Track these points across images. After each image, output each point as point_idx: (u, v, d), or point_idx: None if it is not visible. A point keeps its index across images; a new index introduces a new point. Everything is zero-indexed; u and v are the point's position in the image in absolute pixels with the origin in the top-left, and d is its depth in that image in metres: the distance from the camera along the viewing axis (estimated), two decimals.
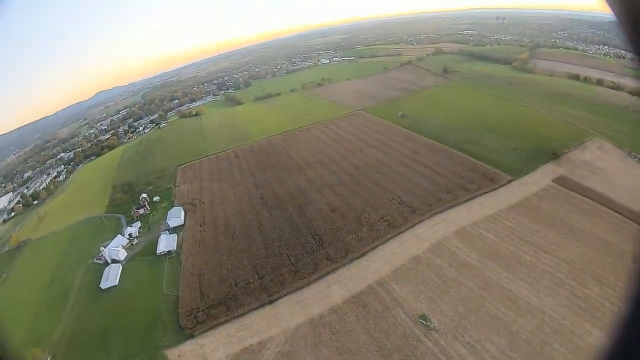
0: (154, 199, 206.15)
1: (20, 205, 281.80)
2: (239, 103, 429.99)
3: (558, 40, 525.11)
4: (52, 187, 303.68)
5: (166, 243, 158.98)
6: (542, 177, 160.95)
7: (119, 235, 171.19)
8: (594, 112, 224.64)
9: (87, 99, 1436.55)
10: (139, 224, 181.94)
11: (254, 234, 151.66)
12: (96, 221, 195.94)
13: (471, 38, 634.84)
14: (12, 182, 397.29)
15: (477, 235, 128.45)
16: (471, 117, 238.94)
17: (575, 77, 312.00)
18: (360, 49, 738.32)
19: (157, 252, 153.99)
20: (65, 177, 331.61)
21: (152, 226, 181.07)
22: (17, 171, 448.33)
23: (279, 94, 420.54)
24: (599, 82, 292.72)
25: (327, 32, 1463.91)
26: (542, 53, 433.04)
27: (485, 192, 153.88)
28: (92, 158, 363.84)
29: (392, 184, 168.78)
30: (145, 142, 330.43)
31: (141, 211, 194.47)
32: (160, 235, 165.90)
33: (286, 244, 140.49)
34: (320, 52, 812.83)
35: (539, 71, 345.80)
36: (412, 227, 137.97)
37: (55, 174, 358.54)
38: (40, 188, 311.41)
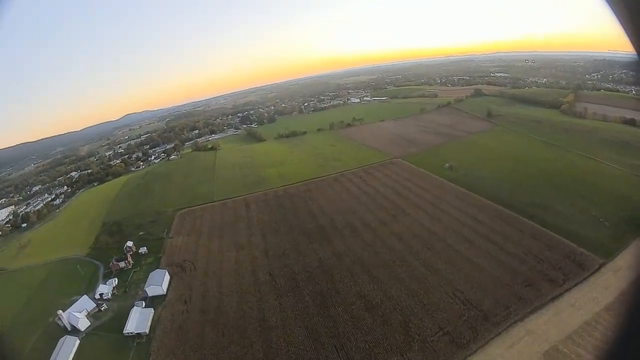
0: (140, 250, 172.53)
1: (9, 226, 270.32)
2: (260, 140, 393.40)
3: (595, 82, 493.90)
4: (45, 211, 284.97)
5: (138, 321, 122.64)
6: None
7: (85, 297, 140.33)
8: None
9: (115, 119, 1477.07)
10: (115, 281, 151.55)
11: (253, 332, 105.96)
12: (73, 265, 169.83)
13: (506, 80, 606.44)
14: (20, 194, 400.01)
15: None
16: (532, 172, 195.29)
17: (631, 123, 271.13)
18: (391, 89, 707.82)
19: (125, 331, 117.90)
20: (62, 202, 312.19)
21: (130, 288, 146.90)
22: (28, 183, 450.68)
23: (304, 133, 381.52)
24: None
25: (355, 72, 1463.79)
26: (586, 95, 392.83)
27: (575, 284, 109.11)
28: (95, 184, 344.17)
29: (450, 269, 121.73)
30: (149, 175, 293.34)
31: (122, 264, 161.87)
32: (133, 306, 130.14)
33: (297, 358, 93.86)
34: (349, 90, 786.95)
35: (591, 116, 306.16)
36: (484, 345, 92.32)
37: (54, 195, 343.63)
38: (36, 209, 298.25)
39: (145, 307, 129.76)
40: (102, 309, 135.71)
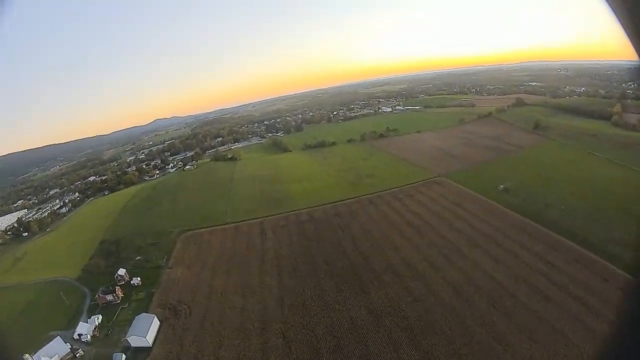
0: (132, 281, 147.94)
1: (10, 234, 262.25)
2: (285, 150, 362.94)
3: (635, 91, 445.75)
4: (49, 220, 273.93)
5: None
6: None
7: (59, 338, 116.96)
8: None
9: (144, 124, 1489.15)
10: (98, 318, 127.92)
11: None
12: (61, 289, 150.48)
13: (542, 89, 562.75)
14: (36, 197, 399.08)
15: None
16: (603, 198, 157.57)
17: None
18: (424, 98, 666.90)
19: None
20: (69, 210, 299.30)
21: (113, 330, 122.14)
22: (48, 185, 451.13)
23: (333, 144, 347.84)
24: None
25: (383, 81, 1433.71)
26: (632, 106, 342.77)
27: None
28: (105, 193, 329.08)
29: (526, 342, 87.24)
30: (160, 187, 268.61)
31: (109, 297, 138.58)
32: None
33: None
34: (380, 99, 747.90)
35: None
36: None
37: (62, 203, 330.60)
38: (43, 216, 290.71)
39: None
40: (77, 355, 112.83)
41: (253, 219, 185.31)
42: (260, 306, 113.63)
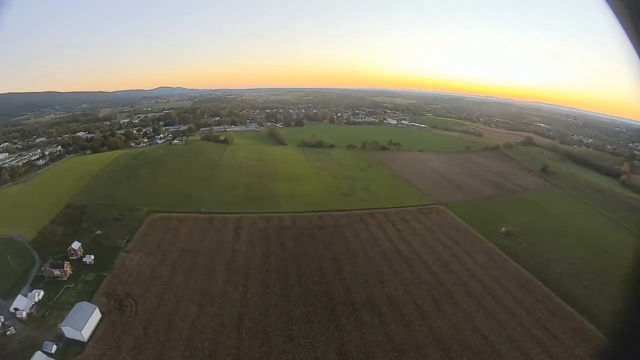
0: (84, 258, 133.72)
1: None
2: (281, 143, 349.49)
3: None
4: (22, 170, 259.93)
5: None
6: None
7: None
8: None
9: (148, 88, 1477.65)
10: (39, 294, 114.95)
11: None
12: (11, 251, 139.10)
13: (551, 133, 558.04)
14: (22, 142, 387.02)
15: None
16: (608, 262, 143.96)
17: None
18: (431, 117, 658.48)
19: None
20: (46, 163, 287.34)
21: (51, 311, 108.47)
22: (36, 132, 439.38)
23: (332, 146, 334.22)
24: None
25: (393, 93, 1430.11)
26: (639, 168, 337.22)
27: None
28: (87, 152, 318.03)
29: None
30: (142, 158, 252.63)
31: (56, 272, 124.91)
32: (40, 351, 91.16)
33: None
34: (387, 110, 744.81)
35: None
36: None
37: (40, 155, 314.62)
38: (19, 163, 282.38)
39: (54, 352, 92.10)
40: (8, 333, 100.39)
41: (230, 213, 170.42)
42: (215, 322, 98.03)
